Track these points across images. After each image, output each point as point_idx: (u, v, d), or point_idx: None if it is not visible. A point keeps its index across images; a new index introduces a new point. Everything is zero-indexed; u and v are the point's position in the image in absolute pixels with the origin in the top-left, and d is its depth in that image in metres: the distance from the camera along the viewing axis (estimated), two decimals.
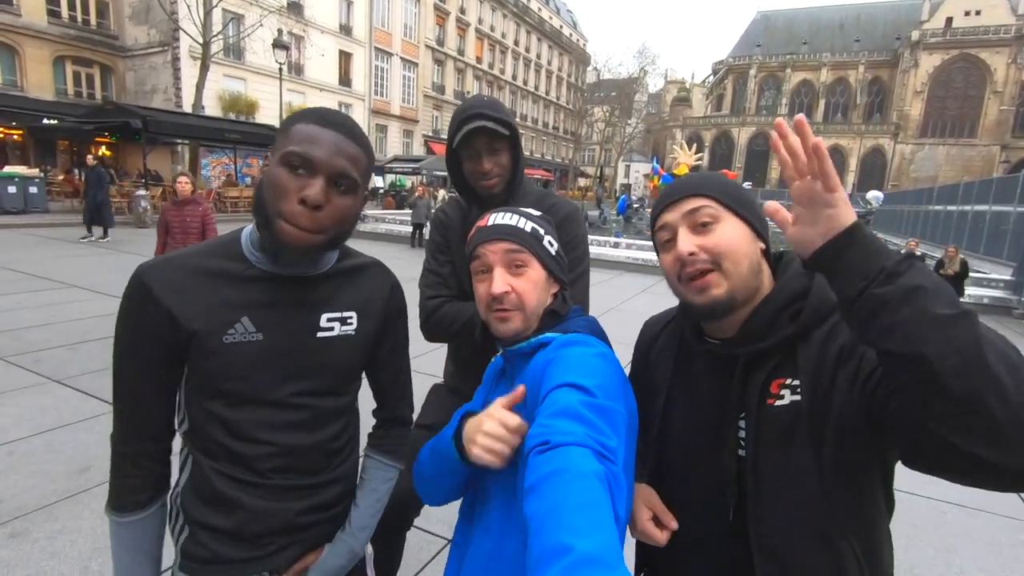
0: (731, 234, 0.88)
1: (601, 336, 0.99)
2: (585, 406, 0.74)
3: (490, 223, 0.99)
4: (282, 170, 0.89)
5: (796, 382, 0.84)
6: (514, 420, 0.83)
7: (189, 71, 21.68)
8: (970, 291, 10.25)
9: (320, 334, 1.01)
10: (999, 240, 13.35)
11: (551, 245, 1.01)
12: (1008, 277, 11.05)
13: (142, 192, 14.73)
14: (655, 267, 12.42)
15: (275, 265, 0.98)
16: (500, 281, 0.95)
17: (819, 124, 59.55)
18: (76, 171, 19.93)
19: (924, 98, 54.48)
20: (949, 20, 53.40)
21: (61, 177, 19.56)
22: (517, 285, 0.95)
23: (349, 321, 1.05)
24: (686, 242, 0.88)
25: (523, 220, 1.00)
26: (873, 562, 0.85)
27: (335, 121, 0.93)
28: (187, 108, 20.45)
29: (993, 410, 0.59)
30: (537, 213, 1.05)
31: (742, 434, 0.88)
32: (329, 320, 1.02)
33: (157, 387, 0.97)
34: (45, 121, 19.09)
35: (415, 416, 1.76)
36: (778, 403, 0.84)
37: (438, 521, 2.64)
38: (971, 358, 0.60)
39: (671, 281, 0.94)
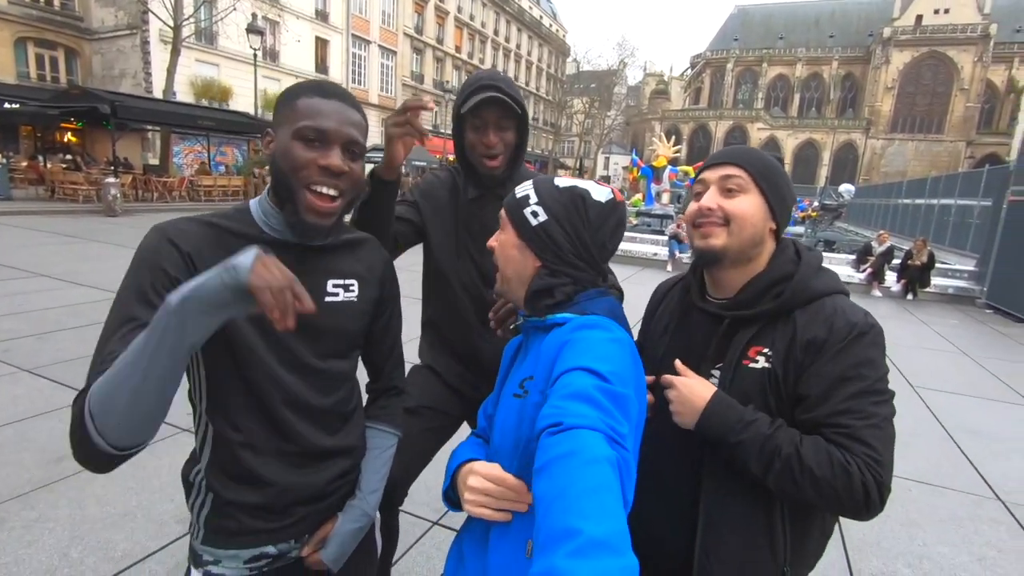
0: (749, 205, 1.03)
1: (620, 319, 0.97)
2: (599, 391, 0.73)
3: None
4: (297, 143, 0.94)
5: (770, 352, 1.00)
6: (497, 473, 0.84)
7: (159, 55, 21.05)
8: (936, 281, 10.60)
9: (327, 299, 1.06)
10: (964, 232, 13.80)
11: (534, 216, 0.95)
12: (972, 268, 11.46)
13: (112, 180, 14.28)
14: (634, 257, 12.57)
15: (288, 235, 1.01)
16: (492, 238, 1.03)
17: (794, 119, 60.64)
18: (40, 157, 19.26)
19: (895, 94, 55.76)
20: (919, 18, 54.62)
21: (25, 164, 18.85)
22: (495, 244, 1.02)
23: (351, 288, 1.10)
24: (710, 199, 1.05)
25: (525, 187, 1.00)
26: (798, 529, 1.01)
27: (335, 92, 0.99)
28: (158, 93, 19.87)
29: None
30: (567, 184, 0.99)
31: (714, 382, 1.03)
32: (334, 286, 1.07)
33: None
34: (7, 105, 18.35)
35: None
36: (751, 365, 1.01)
37: (423, 504, 2.66)
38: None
39: (688, 225, 1.11)
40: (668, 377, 1.03)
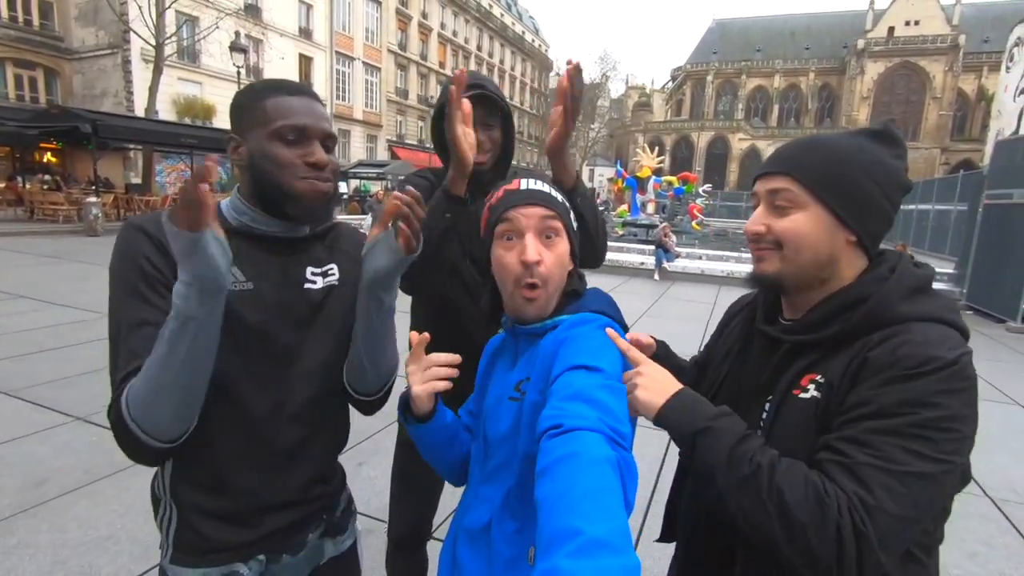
0: (802, 224, 0.85)
1: (615, 314, 0.97)
2: (598, 388, 0.74)
3: (523, 187, 0.95)
4: (276, 144, 0.94)
5: (823, 379, 0.83)
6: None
7: (141, 74, 20.95)
8: None
9: (307, 286, 1.04)
10: (942, 236, 14.09)
11: (574, 222, 1.00)
12: (951, 271, 11.68)
13: (93, 199, 14.11)
14: (622, 267, 12.64)
15: (266, 227, 1.00)
16: (533, 248, 0.90)
17: (774, 129, 61.79)
18: (19, 178, 18.98)
19: (870, 103, 57.08)
20: (891, 29, 56.20)
21: (3, 185, 18.57)
22: (547, 258, 0.91)
23: (331, 273, 1.09)
24: (755, 221, 0.91)
25: (555, 190, 0.97)
26: None
27: (299, 88, 0.99)
28: (139, 112, 19.74)
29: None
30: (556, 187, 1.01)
31: (765, 415, 0.89)
32: (312, 274, 1.06)
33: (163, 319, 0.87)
34: None
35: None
36: (801, 395, 0.84)
37: None
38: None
39: (747, 242, 0.96)
40: (637, 357, 0.90)
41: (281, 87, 0.97)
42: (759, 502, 0.73)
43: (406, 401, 1.01)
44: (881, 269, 0.87)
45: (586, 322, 0.89)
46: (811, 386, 0.83)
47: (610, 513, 0.57)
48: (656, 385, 0.86)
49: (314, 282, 1.06)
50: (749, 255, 0.96)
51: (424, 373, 0.98)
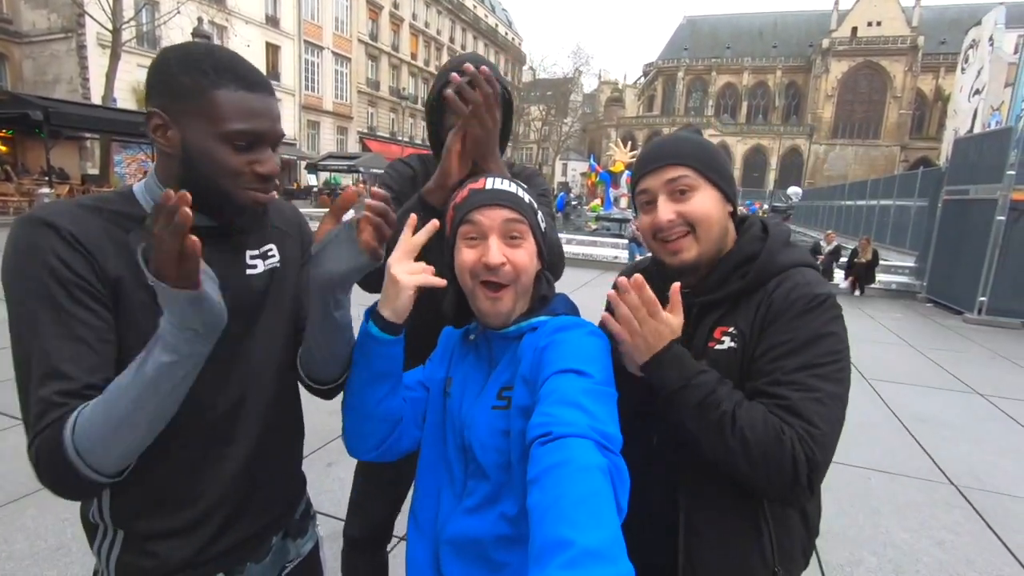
0: (706, 203, 0.98)
1: (577, 313, 0.98)
2: (586, 394, 0.74)
3: (488, 187, 0.92)
4: (225, 148, 0.82)
5: (735, 331, 0.97)
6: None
7: (97, 60, 20.08)
8: (880, 278, 11.12)
9: (249, 271, 0.95)
10: (903, 231, 14.54)
11: (542, 222, 0.97)
12: (912, 264, 12.08)
13: (46, 191, 13.46)
14: (594, 261, 12.70)
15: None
16: (496, 250, 0.88)
17: (743, 125, 63.15)
18: None
19: (835, 102, 58.80)
20: (854, 30, 57.88)
21: None
22: (513, 256, 0.89)
23: (271, 254, 0.99)
24: (665, 210, 0.98)
25: (521, 190, 0.95)
26: (780, 527, 0.97)
27: (257, 81, 0.86)
28: (96, 100, 18.91)
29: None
30: (524, 187, 0.98)
31: None
32: (252, 258, 0.96)
33: (93, 335, 0.77)
34: None
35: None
36: (718, 347, 0.97)
37: None
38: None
39: (646, 239, 1.05)
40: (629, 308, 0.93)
41: (237, 76, 0.82)
42: (725, 444, 0.86)
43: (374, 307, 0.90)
44: (754, 230, 1.05)
45: (573, 327, 0.88)
46: (725, 338, 0.97)
47: (602, 521, 0.56)
48: (647, 339, 0.92)
49: (255, 266, 0.96)
50: None
51: (412, 264, 0.88)
